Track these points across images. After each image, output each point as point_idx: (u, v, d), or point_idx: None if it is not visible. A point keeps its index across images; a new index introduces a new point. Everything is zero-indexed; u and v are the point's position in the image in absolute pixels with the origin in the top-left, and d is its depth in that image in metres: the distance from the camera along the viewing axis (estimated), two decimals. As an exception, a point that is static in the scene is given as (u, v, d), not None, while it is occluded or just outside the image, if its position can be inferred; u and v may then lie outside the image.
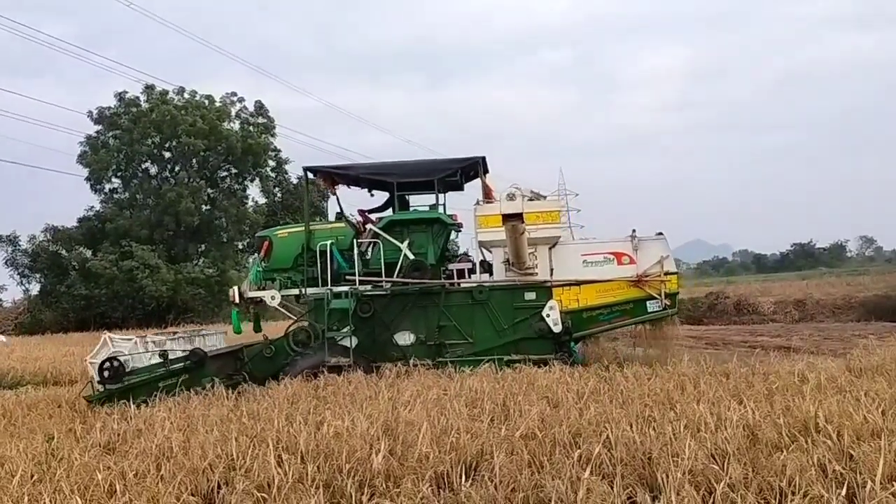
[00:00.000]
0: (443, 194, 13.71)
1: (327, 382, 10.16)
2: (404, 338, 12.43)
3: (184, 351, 11.94)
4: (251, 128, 47.98)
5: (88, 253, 41.70)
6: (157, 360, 11.69)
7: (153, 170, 46.91)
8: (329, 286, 12.42)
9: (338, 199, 15.00)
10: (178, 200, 42.83)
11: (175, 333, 13.38)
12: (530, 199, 12.53)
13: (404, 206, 13.85)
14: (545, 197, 13.00)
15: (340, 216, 14.13)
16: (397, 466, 5.74)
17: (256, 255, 13.59)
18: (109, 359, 11.35)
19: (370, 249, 12.96)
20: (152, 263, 39.07)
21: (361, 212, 13.99)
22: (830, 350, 14.91)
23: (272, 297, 12.66)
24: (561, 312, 12.31)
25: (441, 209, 13.48)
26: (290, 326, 12.63)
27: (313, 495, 5.18)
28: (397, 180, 13.25)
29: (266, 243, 13.28)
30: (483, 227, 12.57)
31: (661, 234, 13.09)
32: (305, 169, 14.05)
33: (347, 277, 12.58)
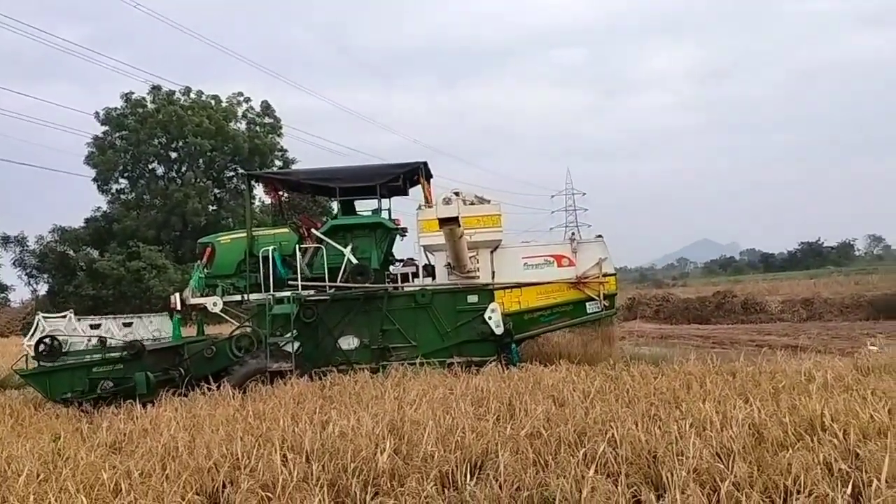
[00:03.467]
0: (387, 199, 13.80)
1: (333, 382, 10.18)
2: (348, 342, 12.51)
3: (124, 339, 11.92)
4: (258, 128, 48.06)
5: (96, 253, 41.73)
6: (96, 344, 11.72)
7: (160, 170, 47.00)
8: (271, 292, 12.40)
9: (280, 204, 15.11)
10: (184, 201, 42.92)
11: (115, 316, 13.33)
12: (472, 204, 12.63)
13: (350, 210, 13.90)
14: (489, 201, 13.10)
15: (284, 221, 14.20)
16: (402, 465, 5.73)
17: (199, 261, 13.49)
18: (47, 336, 11.36)
19: (315, 254, 12.97)
20: (159, 264, 39.10)
21: (305, 217, 14.01)
22: (838, 349, 14.85)
23: (214, 303, 12.66)
24: (502, 315, 12.43)
25: (385, 214, 13.53)
26: (233, 332, 12.65)
27: (318, 494, 5.18)
28: (340, 185, 13.27)
29: (208, 250, 13.26)
30: (425, 231, 12.66)
31: (600, 236, 13.42)
32: (246, 175, 14.16)
33: (291, 283, 12.58)
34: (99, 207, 46.11)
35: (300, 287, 12.48)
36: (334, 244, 12.86)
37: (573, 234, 13.34)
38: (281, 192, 14.97)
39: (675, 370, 9.72)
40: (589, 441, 6.01)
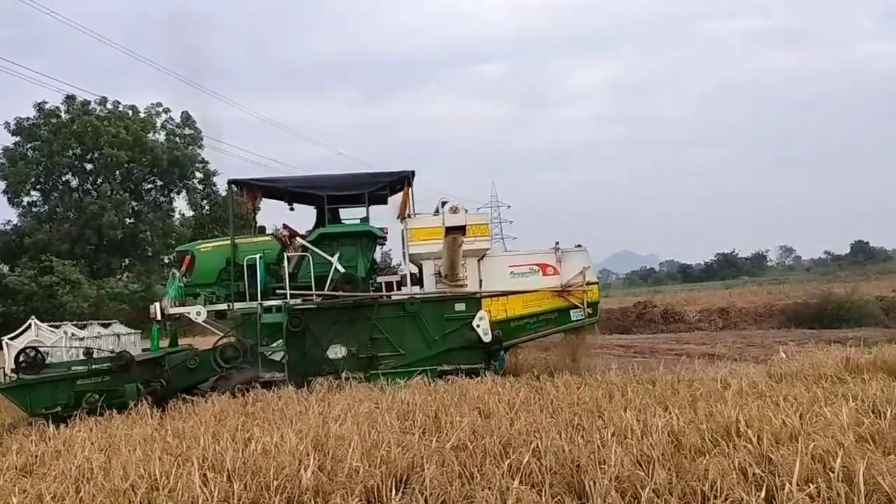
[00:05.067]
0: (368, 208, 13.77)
1: (256, 398, 9.99)
2: (336, 351, 12.43)
3: (110, 351, 11.51)
4: (177, 139, 47.02)
5: (6, 268, 40.14)
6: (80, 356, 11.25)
7: (74, 182, 45.49)
8: (259, 300, 12.25)
9: (254, 212, 14.90)
10: (100, 213, 41.62)
11: (97, 329, 12.80)
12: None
13: (335, 219, 13.81)
14: (466, 210, 13.22)
15: (263, 229, 14.05)
16: (326, 482, 5.66)
17: (176, 270, 13.19)
18: (29, 347, 10.91)
19: (299, 263, 12.87)
20: (73, 279, 37.78)
21: (287, 227, 13.88)
22: (753, 357, 15.32)
23: (197, 312, 12.36)
24: (490, 322, 12.52)
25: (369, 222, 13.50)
26: (217, 342, 12.40)
27: (240, 514, 5.07)
28: (328, 193, 13.22)
29: (188, 258, 13.03)
30: (414, 240, 12.70)
31: (580, 245, 13.54)
32: (231, 182, 13.85)
33: (278, 291, 12.44)
34: (9, 221, 44.40)
35: (288, 296, 12.32)
36: (321, 253, 12.78)
37: (557, 242, 13.48)
38: (258, 200, 14.66)
39: (597, 380, 9.88)
40: (514, 452, 6.05)
